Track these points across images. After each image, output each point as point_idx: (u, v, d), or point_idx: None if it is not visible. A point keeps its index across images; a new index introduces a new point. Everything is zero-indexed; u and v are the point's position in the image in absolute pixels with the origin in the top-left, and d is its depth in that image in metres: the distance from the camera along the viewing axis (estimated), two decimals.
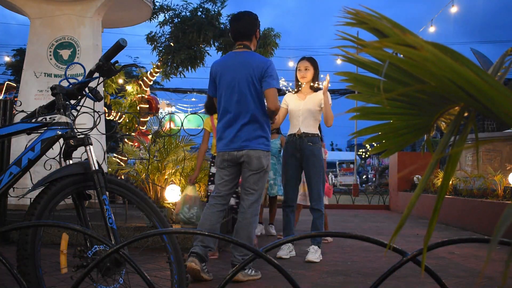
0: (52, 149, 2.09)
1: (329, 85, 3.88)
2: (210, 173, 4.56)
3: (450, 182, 5.33)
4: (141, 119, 9.09)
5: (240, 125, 3.15)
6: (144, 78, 9.16)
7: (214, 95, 3.36)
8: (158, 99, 12.93)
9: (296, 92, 4.10)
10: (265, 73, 3.15)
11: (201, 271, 3.00)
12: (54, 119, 2.04)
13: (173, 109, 18.67)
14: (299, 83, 4.08)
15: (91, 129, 2.36)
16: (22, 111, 3.56)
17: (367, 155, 34.15)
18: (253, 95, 3.16)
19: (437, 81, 0.50)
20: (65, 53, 6.31)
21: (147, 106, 9.27)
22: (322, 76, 4.11)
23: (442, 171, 5.05)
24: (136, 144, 8.09)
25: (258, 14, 3.43)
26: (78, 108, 2.18)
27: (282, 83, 13.83)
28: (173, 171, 4.88)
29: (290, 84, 13.77)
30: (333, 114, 3.91)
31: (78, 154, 2.30)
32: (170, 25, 8.46)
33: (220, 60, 3.38)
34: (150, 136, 8.12)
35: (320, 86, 4.02)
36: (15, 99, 5.71)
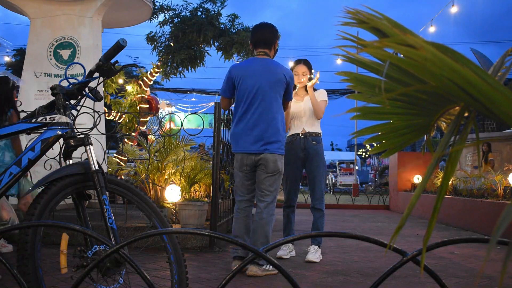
0: (52, 149, 2.09)
1: (318, 82, 3.90)
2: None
3: (450, 182, 5.33)
4: (141, 119, 9.09)
5: (260, 128, 3.27)
6: (144, 78, 9.15)
7: (230, 97, 3.49)
8: (158, 99, 12.92)
9: None
10: (289, 84, 3.39)
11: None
12: (54, 119, 2.04)
13: (173, 109, 18.66)
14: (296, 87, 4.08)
15: (91, 129, 2.36)
16: (22, 111, 3.56)
17: (367, 155, 34.15)
18: (275, 100, 3.32)
19: (437, 81, 0.50)
20: (65, 53, 6.31)
21: (147, 106, 9.27)
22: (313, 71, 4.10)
23: (442, 171, 5.05)
24: (136, 143, 8.09)
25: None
26: (78, 108, 2.18)
27: None
28: (173, 171, 4.87)
29: None
30: (323, 108, 3.91)
31: (78, 154, 2.29)
32: (170, 25, 8.46)
33: (241, 64, 3.48)
34: (151, 136, 8.11)
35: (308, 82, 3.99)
36: (15, 99, 5.70)
